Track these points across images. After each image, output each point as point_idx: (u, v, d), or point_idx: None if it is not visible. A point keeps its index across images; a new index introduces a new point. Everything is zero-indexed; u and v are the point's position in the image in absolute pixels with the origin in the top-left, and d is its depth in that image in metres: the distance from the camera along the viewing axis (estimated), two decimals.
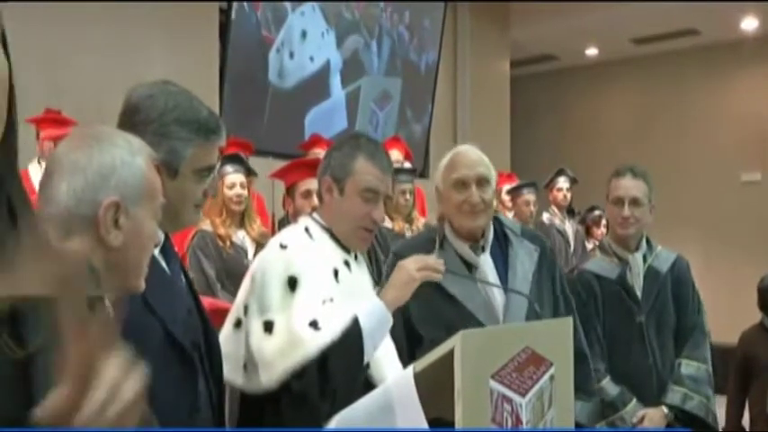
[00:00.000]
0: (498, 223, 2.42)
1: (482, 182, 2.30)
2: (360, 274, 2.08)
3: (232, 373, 1.88)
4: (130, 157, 1.24)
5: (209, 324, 1.65)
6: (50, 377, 0.78)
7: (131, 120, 1.54)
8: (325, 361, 1.81)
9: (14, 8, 5.16)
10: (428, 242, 2.40)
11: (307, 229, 2.03)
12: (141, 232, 1.24)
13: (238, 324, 1.95)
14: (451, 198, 2.33)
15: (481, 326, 2.18)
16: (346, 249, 2.05)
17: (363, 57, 7.54)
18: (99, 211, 1.18)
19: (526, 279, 2.33)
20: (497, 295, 2.29)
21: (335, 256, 2.01)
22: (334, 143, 2.21)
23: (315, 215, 2.09)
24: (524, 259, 2.36)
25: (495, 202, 2.43)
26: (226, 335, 1.96)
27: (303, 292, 1.87)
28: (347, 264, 2.03)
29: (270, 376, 1.83)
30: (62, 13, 5.26)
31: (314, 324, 1.83)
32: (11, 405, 0.76)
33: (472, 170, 2.31)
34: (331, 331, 1.82)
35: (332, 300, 1.90)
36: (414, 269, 1.95)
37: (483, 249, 2.34)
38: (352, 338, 1.83)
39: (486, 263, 2.33)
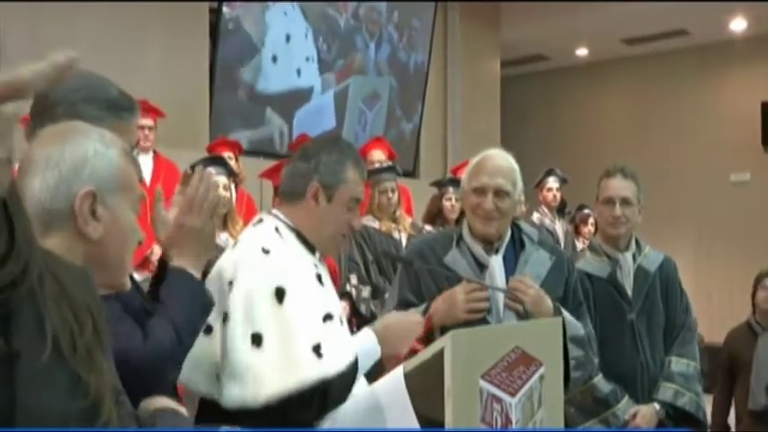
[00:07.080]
0: (517, 230, 2.46)
1: (500, 192, 2.33)
2: (326, 277, 2.05)
3: (207, 386, 1.80)
4: (104, 148, 1.22)
5: None
6: (34, 377, 0.78)
7: (41, 106, 1.50)
8: (325, 390, 1.77)
9: (4, 6, 5.14)
10: (446, 239, 2.46)
11: (277, 230, 1.96)
12: (121, 224, 1.21)
13: (208, 330, 1.79)
14: (470, 201, 2.39)
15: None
16: (312, 251, 2.00)
17: (359, 57, 7.53)
18: (75, 202, 1.16)
19: None
20: (500, 297, 2.33)
21: (307, 258, 1.98)
22: (317, 145, 2.15)
23: (278, 214, 2.02)
24: (534, 266, 2.39)
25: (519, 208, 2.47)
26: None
27: (293, 304, 1.81)
28: (316, 266, 1.99)
29: (257, 393, 1.73)
30: (53, 12, 5.23)
31: (317, 349, 1.77)
32: None
33: (492, 179, 2.34)
34: (334, 361, 1.79)
35: (331, 317, 1.87)
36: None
37: (496, 251, 2.39)
38: (351, 373, 1.83)
39: (496, 264, 2.37)
